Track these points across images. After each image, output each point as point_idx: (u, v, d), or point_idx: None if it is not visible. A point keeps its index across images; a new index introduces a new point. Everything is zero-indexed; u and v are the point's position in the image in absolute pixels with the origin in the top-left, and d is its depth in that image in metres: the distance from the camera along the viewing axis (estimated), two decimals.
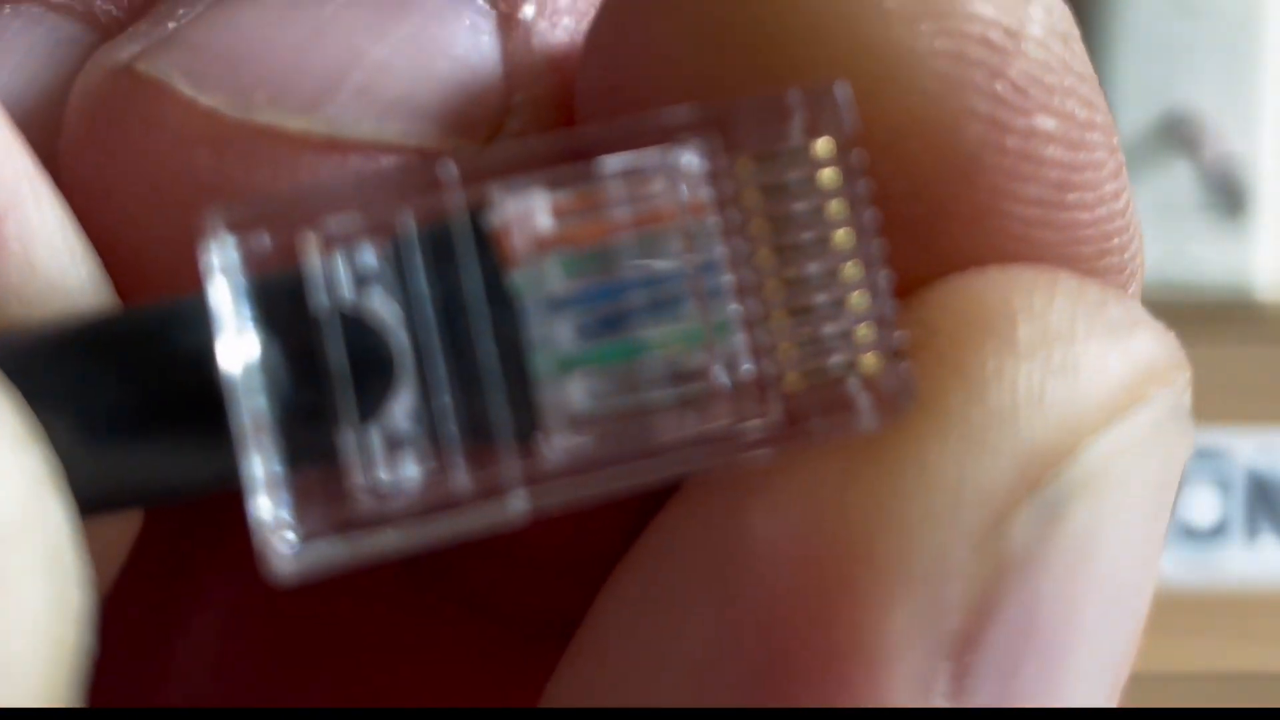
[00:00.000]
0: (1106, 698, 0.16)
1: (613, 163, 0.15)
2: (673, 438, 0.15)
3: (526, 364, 0.15)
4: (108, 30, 0.19)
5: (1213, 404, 0.79)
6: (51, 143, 0.17)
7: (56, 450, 0.14)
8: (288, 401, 0.14)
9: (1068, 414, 0.15)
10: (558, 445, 0.15)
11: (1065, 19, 0.16)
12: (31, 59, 0.18)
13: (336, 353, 0.14)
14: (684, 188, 0.15)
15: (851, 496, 0.15)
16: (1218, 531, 0.83)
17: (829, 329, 0.15)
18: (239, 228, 0.14)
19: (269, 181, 0.16)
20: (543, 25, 0.18)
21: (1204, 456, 0.82)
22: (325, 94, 0.17)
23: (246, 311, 0.14)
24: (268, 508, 0.14)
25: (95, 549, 0.15)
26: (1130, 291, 0.17)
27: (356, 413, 0.14)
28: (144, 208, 0.17)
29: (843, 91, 0.15)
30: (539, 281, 0.15)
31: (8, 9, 0.19)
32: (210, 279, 0.14)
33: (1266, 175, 0.83)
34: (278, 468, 0.14)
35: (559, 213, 0.15)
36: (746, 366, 0.15)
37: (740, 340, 0.15)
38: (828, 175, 0.15)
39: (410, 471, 0.14)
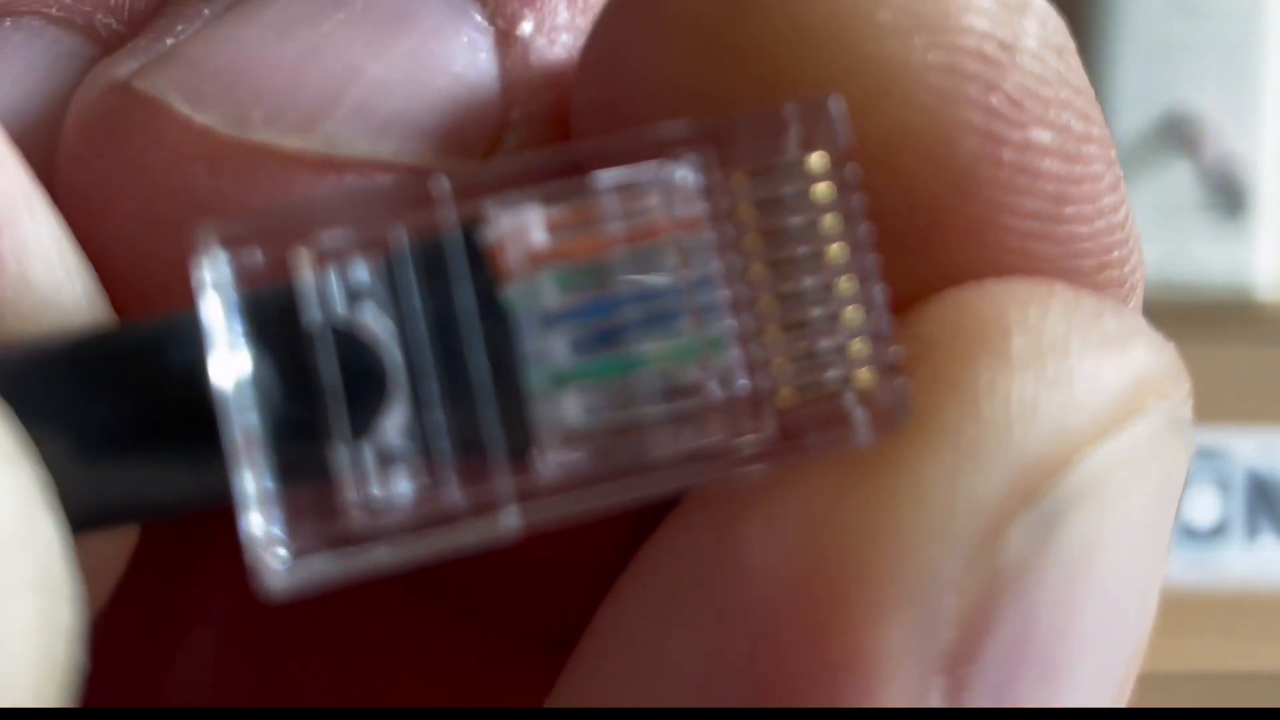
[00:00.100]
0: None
1: (607, 178, 0.15)
2: (667, 453, 0.15)
3: (521, 379, 0.14)
4: (108, 44, 0.19)
5: (1213, 404, 0.79)
6: (50, 157, 0.18)
7: (49, 467, 0.14)
8: (280, 417, 0.14)
9: (1062, 426, 0.15)
10: (552, 460, 0.15)
11: (1060, 32, 0.16)
12: (32, 72, 0.18)
13: (329, 368, 0.14)
14: (678, 203, 0.15)
15: (844, 511, 0.14)
16: (1218, 531, 0.83)
17: (824, 344, 0.15)
18: (231, 243, 0.14)
19: (265, 199, 0.16)
20: (541, 42, 0.18)
21: (1204, 456, 0.82)
22: (322, 112, 0.17)
23: (239, 327, 0.14)
24: (259, 524, 0.14)
25: (90, 564, 0.15)
26: (1131, 304, 0.17)
27: (349, 428, 0.14)
28: (140, 225, 0.17)
29: (837, 106, 0.15)
30: (534, 296, 0.15)
31: (8, 22, 0.19)
32: (202, 295, 0.14)
33: (1266, 175, 0.83)
34: (269, 484, 0.14)
35: (553, 228, 0.15)
36: (741, 382, 0.15)
37: (735, 355, 0.15)
38: (822, 190, 0.15)
39: (402, 487, 0.14)
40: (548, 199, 0.15)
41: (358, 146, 0.17)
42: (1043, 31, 0.15)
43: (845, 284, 0.15)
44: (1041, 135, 0.15)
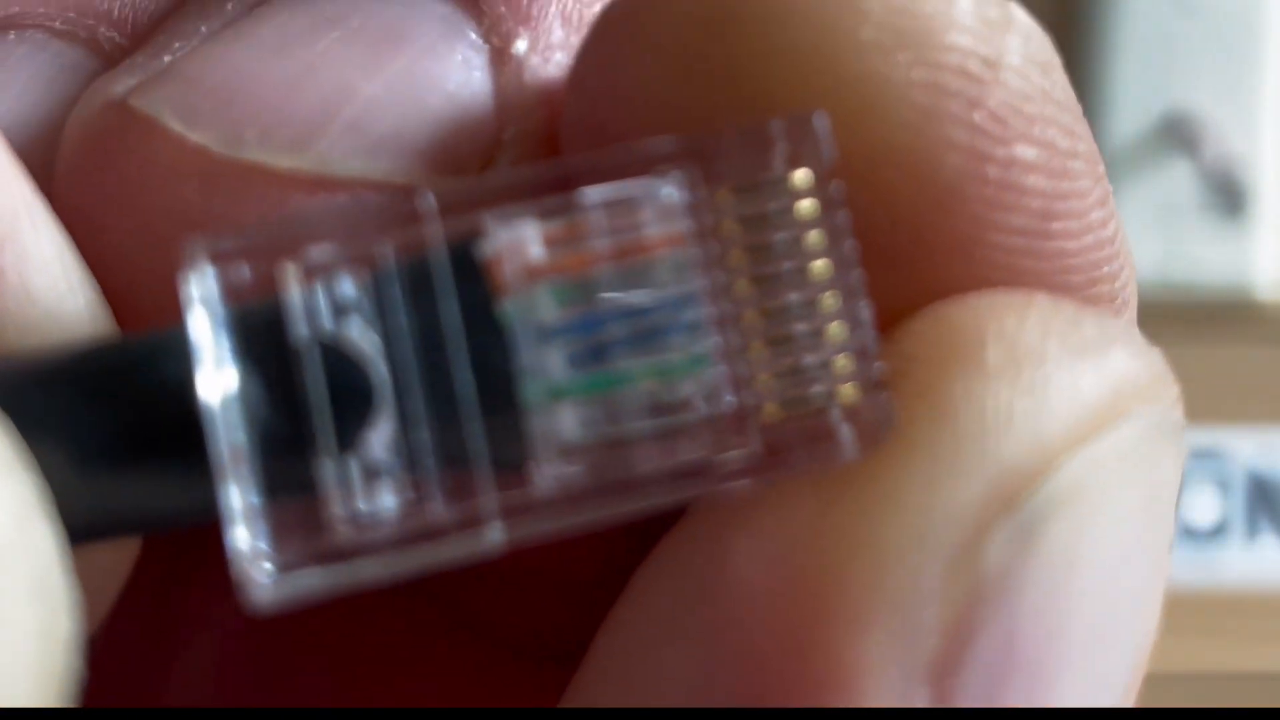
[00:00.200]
0: None
1: (594, 194, 0.15)
2: (654, 469, 0.15)
3: (517, 393, 0.15)
4: (111, 57, 0.19)
5: (1213, 404, 0.79)
6: (52, 170, 0.18)
7: (47, 478, 0.14)
8: (267, 432, 0.14)
9: (1039, 434, 0.15)
10: (548, 473, 0.15)
11: (1044, 48, 0.16)
12: (35, 85, 0.18)
13: (316, 383, 0.15)
14: (663, 219, 0.15)
15: (824, 525, 0.15)
16: (1218, 531, 0.83)
17: (809, 360, 0.15)
18: (219, 259, 0.15)
19: (258, 218, 0.16)
20: (535, 61, 0.18)
21: (1204, 456, 0.82)
22: (315, 131, 0.17)
23: (226, 342, 0.15)
24: (245, 538, 0.14)
25: (91, 574, 0.15)
26: (1123, 319, 0.16)
27: (335, 443, 0.14)
28: (134, 241, 0.17)
29: (822, 122, 0.15)
30: (530, 310, 0.15)
31: (13, 35, 0.19)
32: (189, 310, 0.14)
33: (1266, 175, 0.83)
34: (256, 499, 0.14)
35: (549, 242, 0.15)
36: (727, 398, 0.15)
37: (720, 372, 0.15)
38: (807, 206, 0.15)
39: (388, 502, 0.15)
40: (543, 214, 0.15)
41: (351, 166, 0.17)
42: (1027, 48, 0.15)
43: (830, 300, 0.15)
44: (1026, 152, 0.15)
